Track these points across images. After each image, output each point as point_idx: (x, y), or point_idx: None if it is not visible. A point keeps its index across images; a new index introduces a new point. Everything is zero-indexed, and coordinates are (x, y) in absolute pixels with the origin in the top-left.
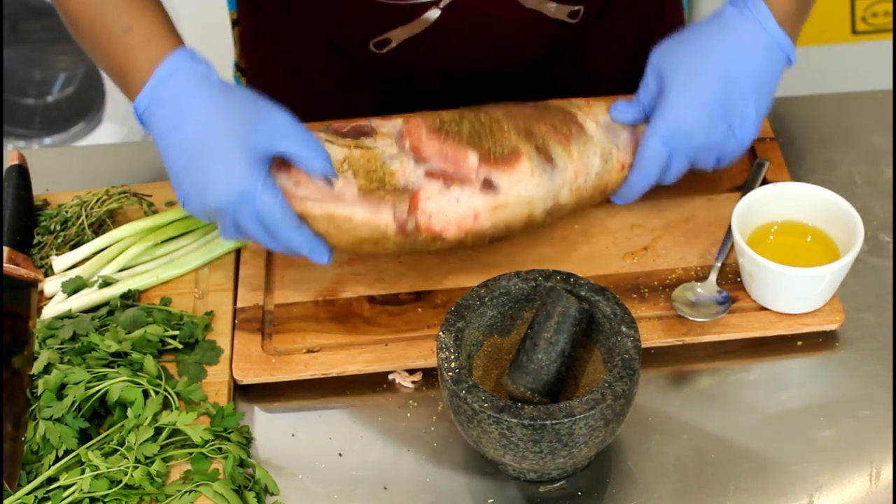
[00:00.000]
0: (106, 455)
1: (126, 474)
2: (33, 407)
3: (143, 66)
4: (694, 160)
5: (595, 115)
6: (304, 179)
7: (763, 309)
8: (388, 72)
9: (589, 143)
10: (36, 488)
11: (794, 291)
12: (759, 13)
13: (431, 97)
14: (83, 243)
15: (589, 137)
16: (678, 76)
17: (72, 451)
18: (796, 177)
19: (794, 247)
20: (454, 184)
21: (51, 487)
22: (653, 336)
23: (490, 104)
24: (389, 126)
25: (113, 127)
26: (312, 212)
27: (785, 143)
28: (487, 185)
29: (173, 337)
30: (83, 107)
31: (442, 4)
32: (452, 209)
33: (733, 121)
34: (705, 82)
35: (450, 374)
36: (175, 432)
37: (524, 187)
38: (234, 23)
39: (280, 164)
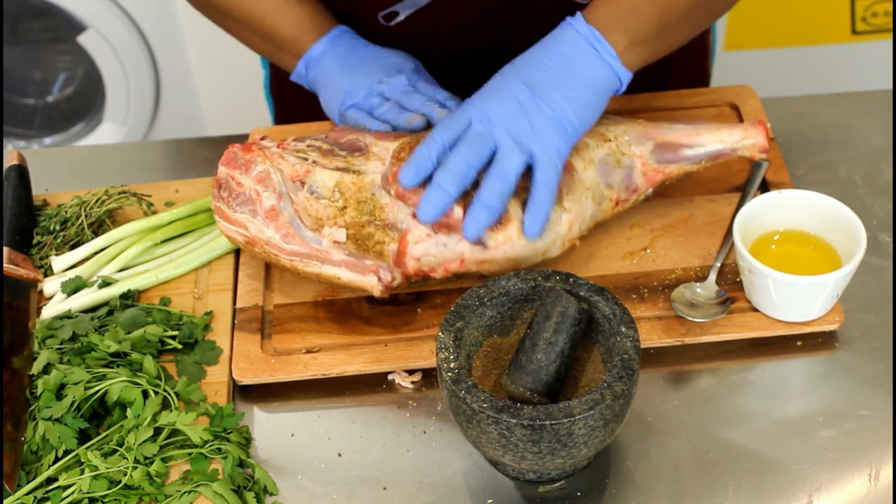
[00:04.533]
0: (105, 455)
1: (125, 474)
2: (33, 407)
3: (320, 27)
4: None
5: (586, 149)
6: (291, 232)
7: None
8: (396, 47)
9: (581, 187)
10: (35, 488)
11: (796, 299)
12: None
13: (438, 75)
14: (83, 243)
15: (580, 181)
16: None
17: (71, 451)
18: (796, 177)
19: (796, 255)
20: (441, 230)
21: (50, 487)
22: (652, 336)
23: None
24: (382, 148)
25: (113, 127)
26: (300, 269)
27: (785, 143)
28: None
29: (173, 337)
30: (83, 107)
31: None
32: (440, 253)
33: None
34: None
35: (449, 374)
36: (174, 432)
37: (511, 248)
38: None
39: (269, 213)
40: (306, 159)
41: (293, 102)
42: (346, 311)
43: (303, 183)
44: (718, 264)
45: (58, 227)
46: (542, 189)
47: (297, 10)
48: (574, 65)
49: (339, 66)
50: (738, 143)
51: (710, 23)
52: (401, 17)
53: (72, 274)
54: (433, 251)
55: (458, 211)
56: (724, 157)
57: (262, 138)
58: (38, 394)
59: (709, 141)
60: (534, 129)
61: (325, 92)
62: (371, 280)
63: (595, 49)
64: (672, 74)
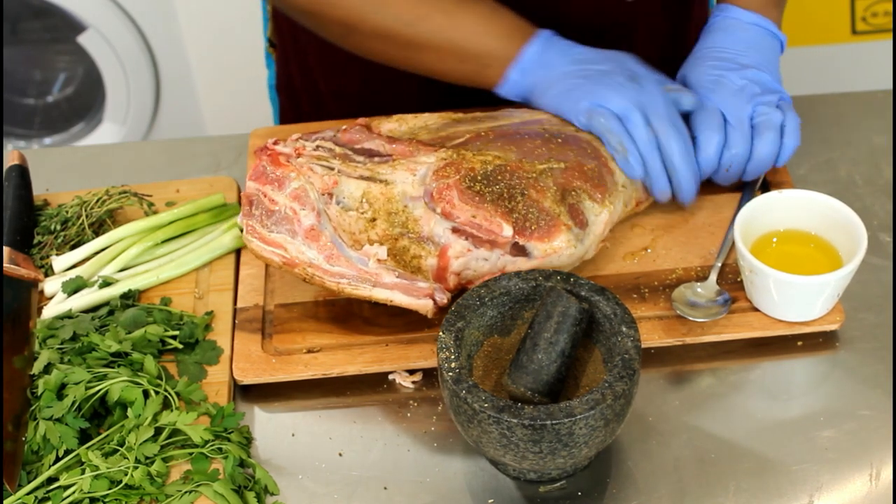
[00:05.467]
0: (106, 455)
1: (126, 474)
2: (33, 407)
3: (525, 30)
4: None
5: None
6: (336, 253)
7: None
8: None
9: (617, 191)
10: (36, 488)
11: (796, 299)
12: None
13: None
14: (83, 243)
15: (616, 184)
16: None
17: (72, 451)
18: (796, 177)
19: (796, 255)
20: (483, 245)
21: (51, 487)
22: (653, 336)
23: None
24: (411, 160)
25: (113, 127)
26: (348, 291)
27: None
28: (518, 249)
29: (173, 337)
30: (83, 107)
31: None
32: (479, 267)
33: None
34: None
35: (450, 374)
36: (175, 432)
37: (557, 258)
38: None
39: (310, 233)
40: (332, 168)
41: (304, 100)
42: (346, 311)
43: (331, 195)
44: (719, 264)
45: (58, 227)
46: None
47: (497, 20)
48: (759, 44)
49: (573, 69)
50: None
51: None
52: None
53: (72, 274)
54: (473, 265)
55: (507, 230)
56: None
57: (276, 143)
58: (39, 393)
59: None
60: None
61: (557, 93)
62: (427, 304)
63: (765, 28)
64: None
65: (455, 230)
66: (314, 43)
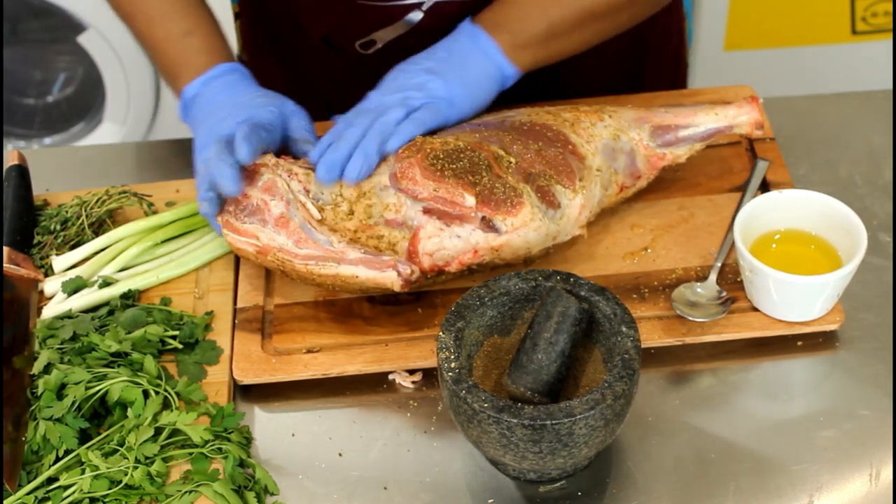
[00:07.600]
0: (106, 455)
1: (126, 474)
2: (33, 407)
3: (197, 65)
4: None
5: (591, 137)
6: (304, 237)
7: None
8: (375, 73)
9: (590, 175)
10: (36, 488)
11: (796, 299)
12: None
13: None
14: (83, 243)
15: (590, 168)
16: None
17: (72, 451)
18: (796, 177)
19: (796, 255)
20: (453, 222)
21: (51, 487)
22: (653, 336)
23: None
24: None
25: (113, 127)
26: (317, 272)
27: (785, 143)
28: (487, 224)
29: (173, 337)
30: (83, 107)
31: (424, 7)
32: (453, 245)
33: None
34: None
35: (450, 374)
36: (175, 432)
37: (524, 232)
38: (236, 16)
39: (279, 220)
40: (308, 168)
41: None
42: (346, 311)
43: (307, 190)
44: (719, 264)
45: (58, 227)
46: (381, 127)
47: (184, 43)
48: (460, 55)
49: (207, 108)
50: (733, 119)
51: (619, 29)
52: (378, 45)
53: (72, 274)
54: (447, 244)
55: (469, 199)
56: (721, 135)
57: (264, 153)
58: (39, 393)
59: (704, 120)
60: (420, 90)
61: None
62: (390, 275)
63: (478, 45)
64: (645, 79)
65: (426, 211)
66: (278, 62)
